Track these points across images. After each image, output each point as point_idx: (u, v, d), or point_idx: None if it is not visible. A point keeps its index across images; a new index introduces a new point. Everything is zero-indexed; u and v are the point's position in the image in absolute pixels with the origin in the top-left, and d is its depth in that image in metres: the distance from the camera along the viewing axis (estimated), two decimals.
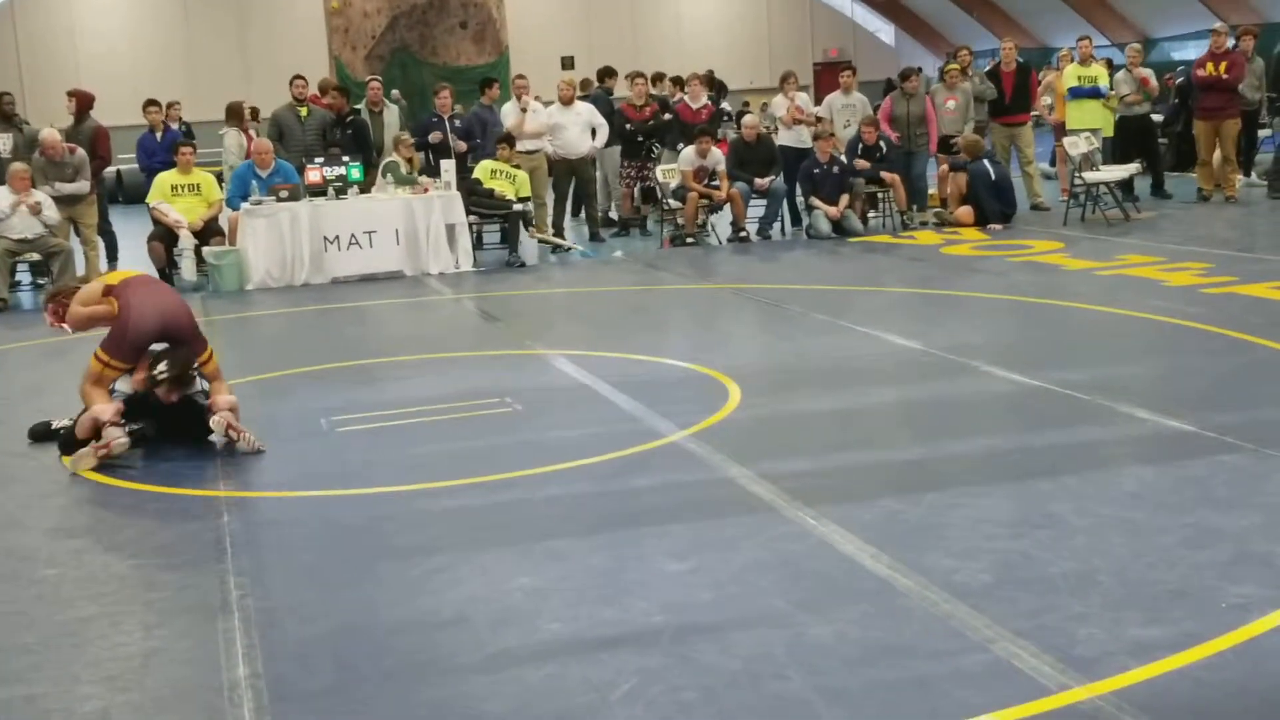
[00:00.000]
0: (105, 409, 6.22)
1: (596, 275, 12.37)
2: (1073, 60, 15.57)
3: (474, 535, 4.97)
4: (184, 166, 12.48)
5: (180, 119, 15.49)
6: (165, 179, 12.46)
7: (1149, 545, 4.47)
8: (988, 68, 15.33)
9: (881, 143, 13.88)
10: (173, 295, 6.91)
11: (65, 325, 6.86)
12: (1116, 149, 14.68)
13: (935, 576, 4.26)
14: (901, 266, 11.69)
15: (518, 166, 13.27)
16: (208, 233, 12.30)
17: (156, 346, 6.47)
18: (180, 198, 12.35)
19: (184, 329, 6.57)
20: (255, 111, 14.15)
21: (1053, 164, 16.59)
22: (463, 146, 13.87)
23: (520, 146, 13.77)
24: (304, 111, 13.67)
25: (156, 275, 12.04)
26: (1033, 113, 15.04)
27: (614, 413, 6.81)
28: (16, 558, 5.01)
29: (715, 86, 16.08)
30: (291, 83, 13.86)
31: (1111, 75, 15.09)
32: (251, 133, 13.81)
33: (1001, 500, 5.02)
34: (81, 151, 12.37)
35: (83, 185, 12.29)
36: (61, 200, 12.02)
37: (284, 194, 12.17)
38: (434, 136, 13.87)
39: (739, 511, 5.06)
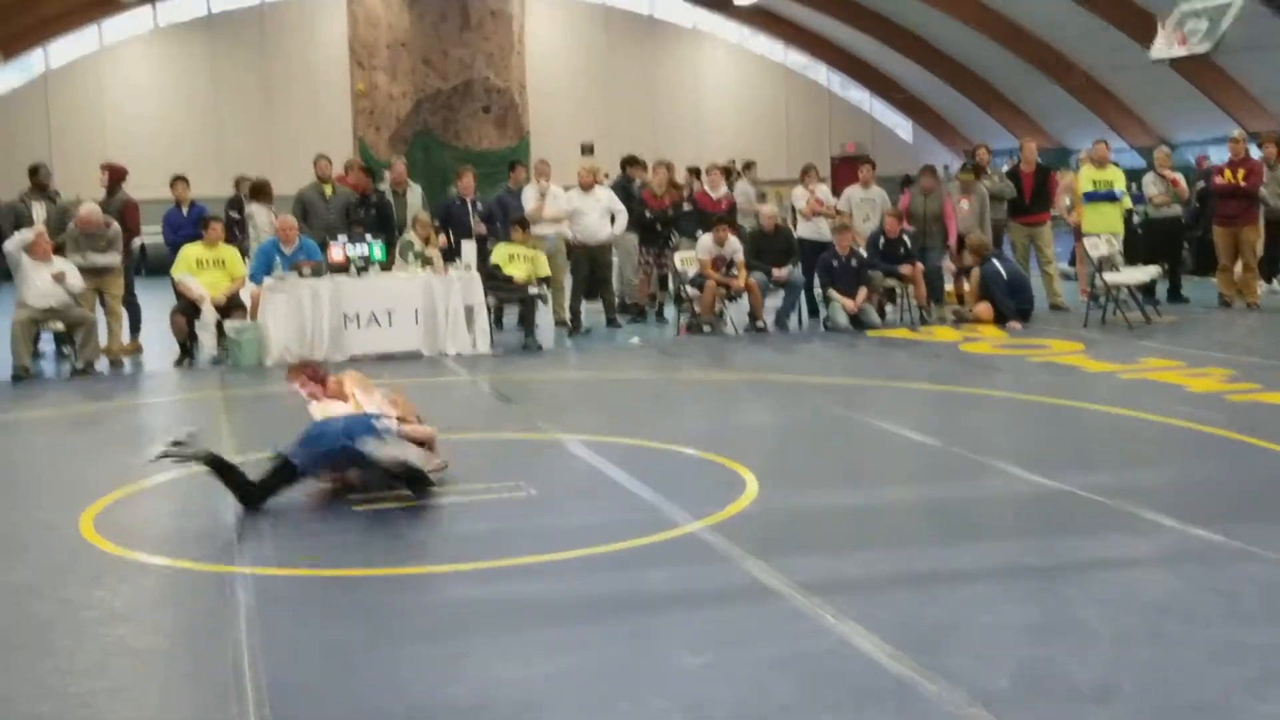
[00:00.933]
0: None
1: (612, 361, 12.39)
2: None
3: (489, 621, 4.92)
4: (210, 241, 12.58)
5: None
6: (190, 252, 12.58)
7: (1175, 657, 4.41)
8: (1007, 167, 15.45)
9: (905, 237, 13.95)
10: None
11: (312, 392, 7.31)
12: (1143, 251, 14.74)
13: (956, 679, 4.19)
14: (920, 362, 11.69)
15: (534, 248, 13.35)
16: (230, 307, 12.38)
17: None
18: (205, 271, 12.46)
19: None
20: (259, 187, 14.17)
21: (1072, 264, 16.65)
22: (483, 229, 13.97)
23: (539, 230, 13.88)
24: (328, 190, 13.82)
25: (178, 347, 12.15)
26: (1052, 213, 15.13)
27: (629, 500, 6.77)
28: (33, 627, 4.98)
29: (733, 175, 16.30)
30: (315, 162, 14.03)
31: (1129, 179, 15.19)
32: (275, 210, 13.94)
33: (1024, 604, 4.97)
34: (116, 225, 12.51)
35: (114, 257, 12.41)
36: (90, 271, 12.12)
37: (307, 270, 12.26)
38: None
39: (756, 606, 5.01)
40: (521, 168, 15.16)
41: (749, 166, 18.24)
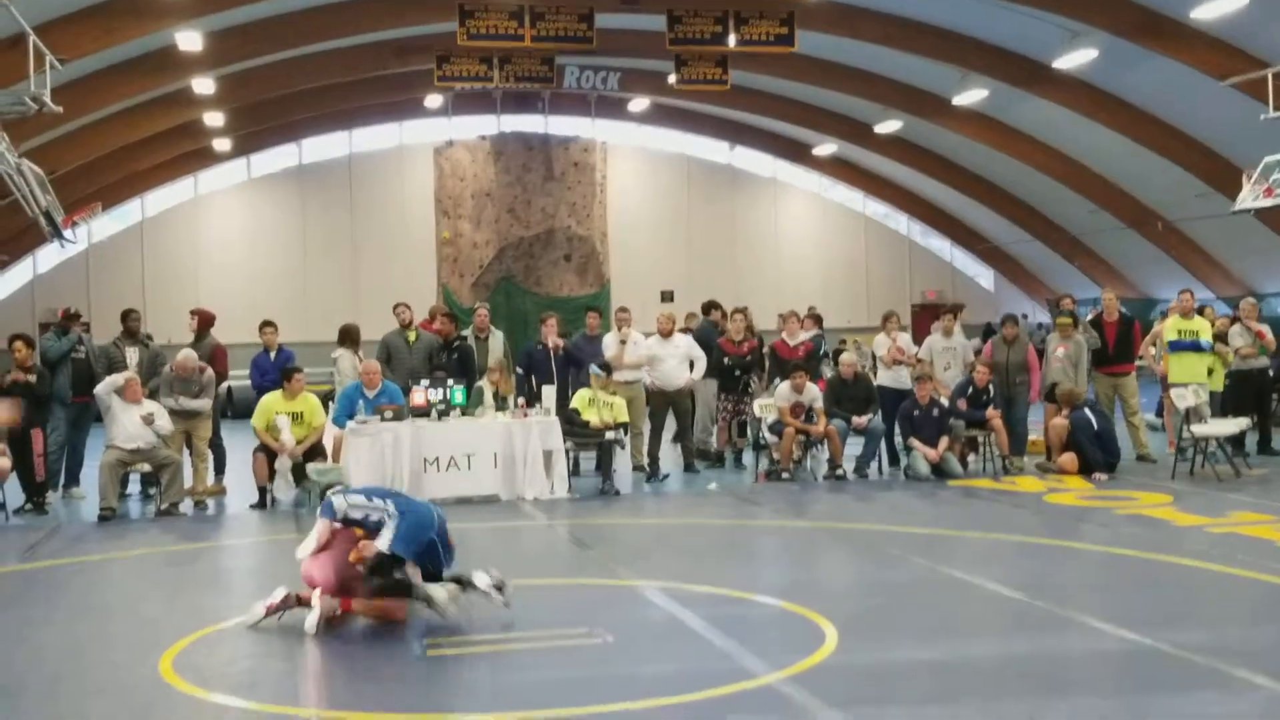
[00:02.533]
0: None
1: (690, 507, 12.33)
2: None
3: None
4: (292, 392, 12.77)
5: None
6: (271, 403, 12.74)
7: None
8: (1090, 317, 15.36)
9: (990, 387, 13.84)
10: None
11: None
12: (1229, 402, 14.50)
13: None
14: (1004, 513, 11.49)
15: (614, 393, 13.43)
16: (312, 451, 12.53)
17: None
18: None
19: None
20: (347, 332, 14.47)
21: (1159, 415, 16.39)
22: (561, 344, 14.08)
23: (619, 377, 13.98)
24: (412, 336, 14.08)
25: (257, 491, 12.29)
26: (1139, 362, 14.96)
27: (706, 649, 6.68)
28: None
29: (818, 322, 16.26)
30: (395, 309, 14.32)
31: (1215, 329, 15.01)
32: (361, 354, 14.19)
33: None
34: (210, 372, 12.84)
35: (206, 403, 12.71)
36: (181, 414, 12.41)
37: (389, 414, 12.43)
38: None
39: None
40: (596, 314, 15.35)
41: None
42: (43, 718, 5.70)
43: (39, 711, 5.82)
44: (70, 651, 6.95)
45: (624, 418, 13.28)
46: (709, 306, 16.24)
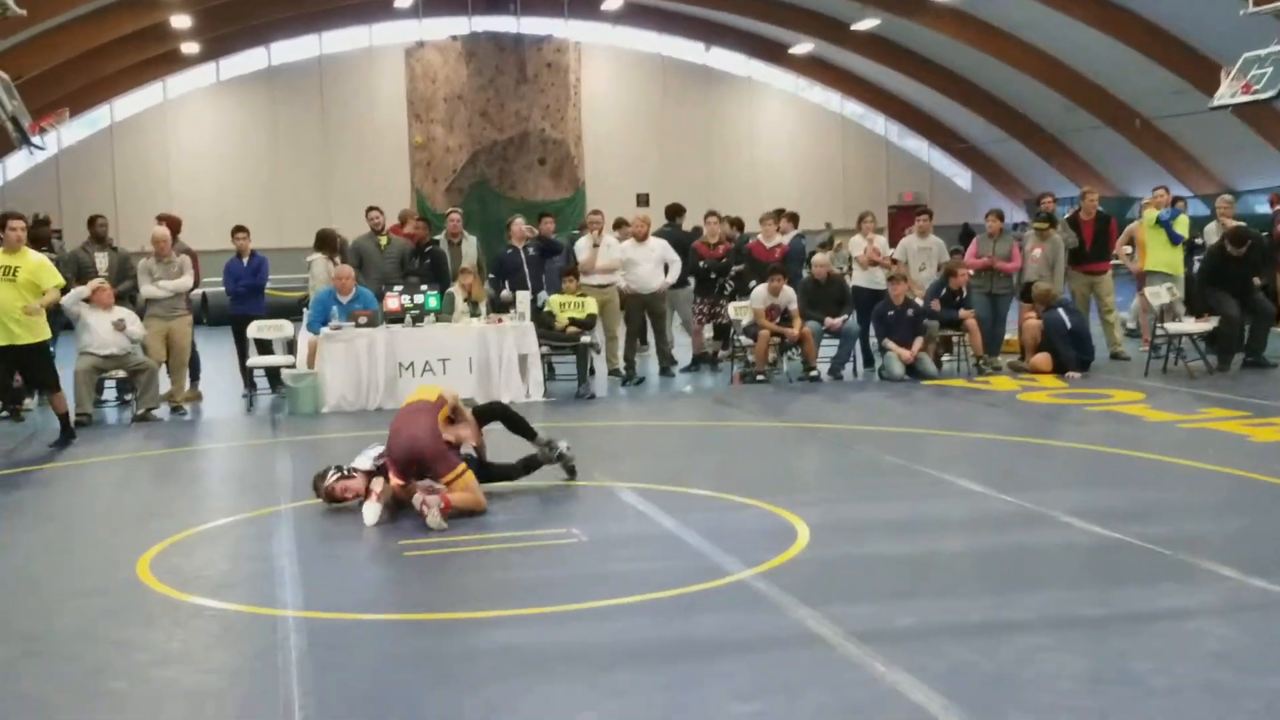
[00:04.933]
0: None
1: (665, 410, 12.39)
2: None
3: (536, 666, 4.91)
4: (9, 245, 10.47)
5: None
6: None
7: (1232, 708, 4.31)
8: (1067, 215, 15.36)
9: (965, 288, 13.86)
10: (420, 426, 7.61)
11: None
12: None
13: None
14: (977, 412, 11.59)
15: (582, 295, 13.39)
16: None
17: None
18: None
19: (425, 456, 7.46)
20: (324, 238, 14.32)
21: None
22: (537, 230, 13.97)
23: (593, 280, 13.95)
24: (383, 241, 13.99)
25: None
26: (1114, 261, 15.00)
27: (680, 547, 6.75)
28: (87, 669, 5.04)
29: (795, 221, 16.08)
30: (367, 213, 14.21)
31: (1191, 226, 15.05)
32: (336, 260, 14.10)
33: (1078, 655, 4.88)
34: (186, 258, 12.76)
35: (187, 280, 12.63)
36: (162, 313, 12.32)
37: (363, 320, 12.39)
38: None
39: (806, 654, 4.97)
40: (550, 219, 15.27)
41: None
42: (22, 618, 5.74)
43: (19, 612, 5.86)
44: (49, 554, 6.99)
45: (593, 309, 13.27)
46: (673, 211, 16.04)
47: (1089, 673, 4.69)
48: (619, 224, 15.42)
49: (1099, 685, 4.56)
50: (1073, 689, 4.53)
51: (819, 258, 14.46)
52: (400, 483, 7.53)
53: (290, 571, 6.37)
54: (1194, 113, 25.56)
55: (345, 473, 7.77)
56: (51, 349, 11.06)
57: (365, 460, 7.84)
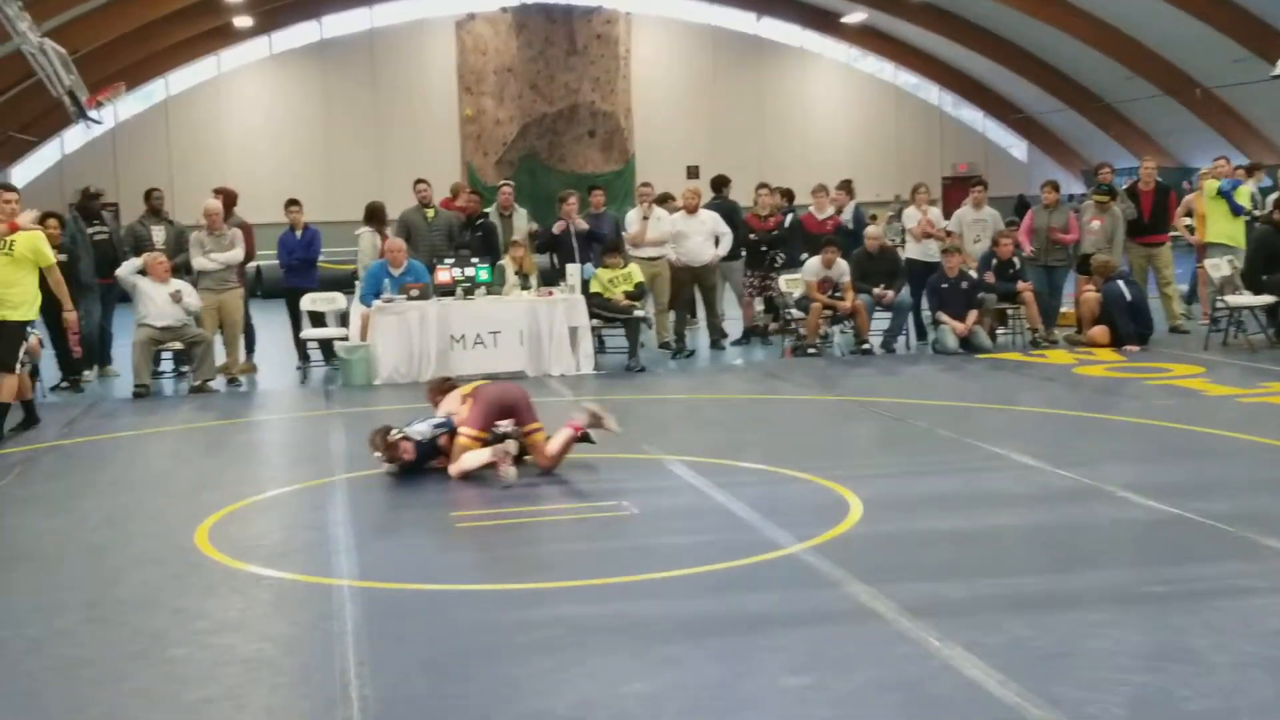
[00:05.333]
0: (484, 453, 7.73)
1: (716, 382, 12.36)
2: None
3: (588, 638, 4.92)
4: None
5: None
6: None
7: None
8: (1125, 186, 15.14)
9: (1015, 259, 13.71)
10: (512, 386, 8.57)
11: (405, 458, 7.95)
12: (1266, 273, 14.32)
13: (1066, 708, 4.09)
14: (1032, 385, 11.47)
15: (623, 267, 13.33)
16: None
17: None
18: None
19: (518, 402, 8.13)
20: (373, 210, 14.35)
21: (1194, 292, 16.27)
22: (584, 225, 13.93)
23: (644, 253, 13.91)
24: (430, 213, 14.01)
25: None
26: (1172, 233, 14.78)
27: (731, 521, 6.74)
28: (146, 637, 5.10)
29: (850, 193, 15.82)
30: (415, 186, 14.23)
31: (1253, 195, 14.78)
32: (387, 232, 14.15)
33: (1136, 632, 4.83)
34: (238, 231, 12.86)
35: (238, 252, 12.72)
36: (214, 286, 12.43)
37: (414, 293, 12.44)
38: (557, 227, 14.02)
39: (859, 628, 4.94)
40: (600, 191, 15.18)
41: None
42: (84, 586, 5.83)
43: (80, 580, 5.95)
44: (109, 523, 7.08)
45: (639, 278, 13.24)
46: (719, 182, 15.88)
47: (1148, 649, 4.64)
48: (663, 199, 15.30)
49: (1159, 662, 4.50)
50: (1131, 665, 4.48)
51: (871, 230, 14.33)
52: (478, 437, 7.81)
53: (345, 541, 6.42)
54: (1255, 81, 25.08)
55: (404, 435, 7.89)
56: (30, 330, 10.05)
57: (426, 428, 7.94)
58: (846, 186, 15.69)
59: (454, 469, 7.80)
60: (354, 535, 6.53)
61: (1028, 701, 4.15)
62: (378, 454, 7.91)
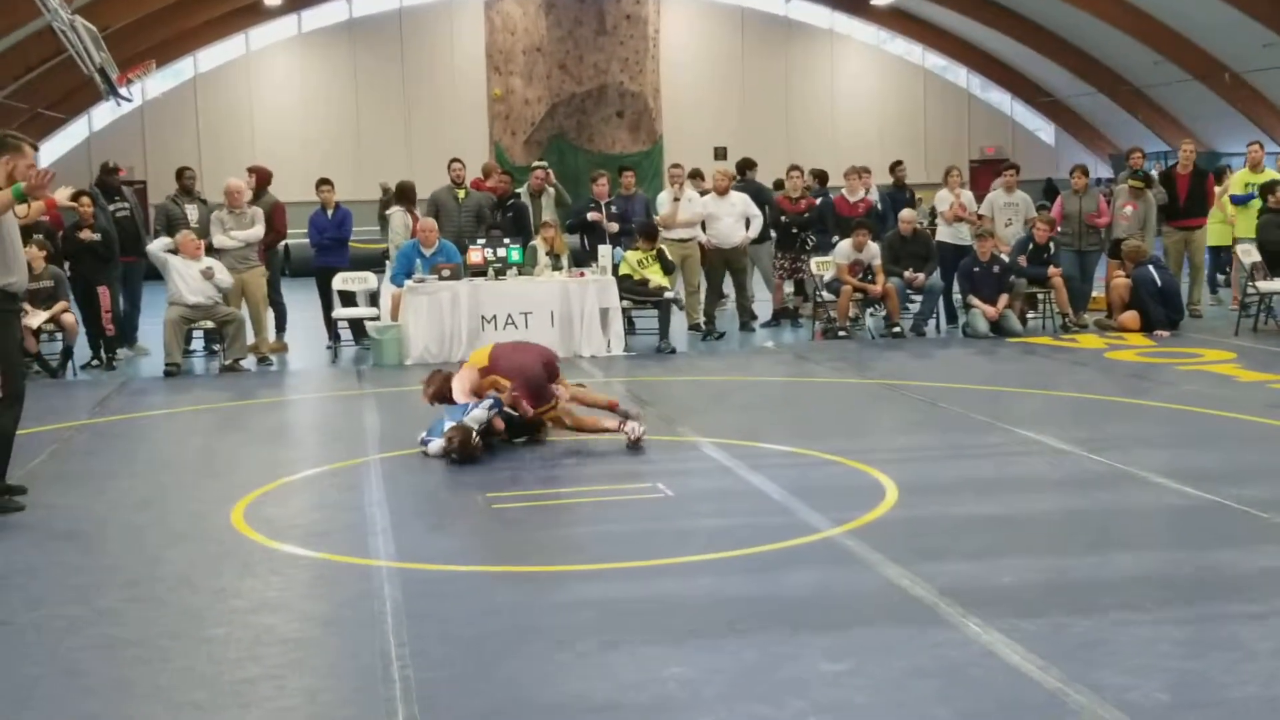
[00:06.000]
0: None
1: (747, 365, 12.35)
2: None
3: (626, 620, 4.94)
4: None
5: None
6: None
7: None
8: (1153, 170, 15.05)
9: (1051, 243, 13.64)
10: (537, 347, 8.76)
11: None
12: None
13: (1108, 694, 4.09)
14: (1064, 370, 11.43)
15: (652, 251, 13.30)
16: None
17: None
18: None
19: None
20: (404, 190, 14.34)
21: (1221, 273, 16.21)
22: (614, 227, 13.97)
23: (675, 235, 13.89)
24: (461, 194, 14.02)
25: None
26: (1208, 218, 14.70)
27: (766, 504, 6.74)
28: (187, 616, 5.14)
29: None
30: (449, 165, 14.24)
31: None
32: (417, 212, 14.17)
33: (1176, 618, 4.82)
34: (259, 210, 12.88)
35: (257, 231, 12.73)
36: (231, 265, 12.46)
37: (446, 273, 12.46)
38: (592, 216, 14.04)
39: (897, 614, 4.95)
40: (630, 173, 15.09)
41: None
42: (124, 565, 5.88)
43: (120, 560, 6.00)
44: (146, 503, 7.12)
45: (669, 256, 13.28)
46: (744, 165, 15.82)
47: (1188, 635, 4.63)
48: (693, 174, 15.27)
49: (1199, 648, 4.49)
50: (1172, 651, 4.47)
51: (906, 213, 14.25)
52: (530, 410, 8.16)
53: (381, 522, 6.45)
54: None
55: (479, 430, 7.81)
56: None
57: (481, 411, 7.90)
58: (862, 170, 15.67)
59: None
60: (390, 516, 6.56)
61: (1069, 688, 4.15)
62: (453, 454, 7.73)
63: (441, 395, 8.40)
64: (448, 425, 7.89)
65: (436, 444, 7.88)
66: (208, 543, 6.23)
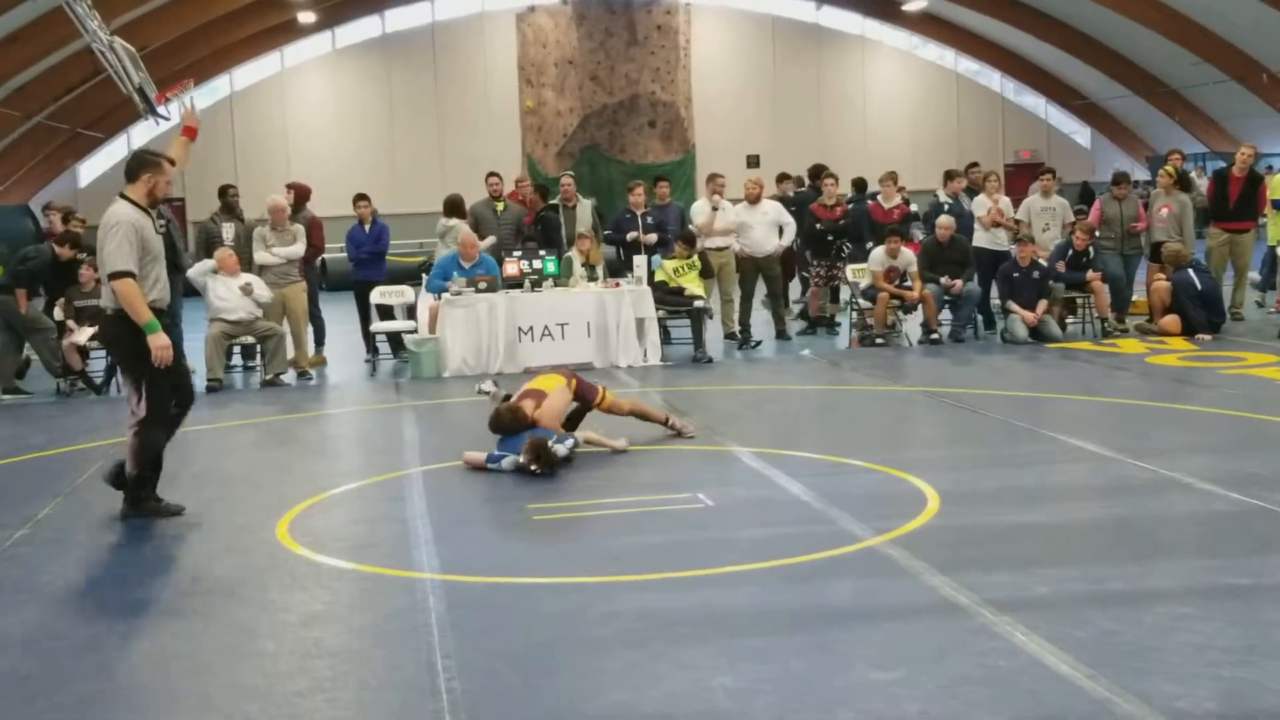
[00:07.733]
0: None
1: (783, 373, 12.34)
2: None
3: (671, 630, 4.94)
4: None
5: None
6: None
7: None
8: (1192, 172, 14.95)
9: (1091, 248, 13.57)
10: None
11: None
12: None
13: (1157, 702, 4.06)
14: (1105, 375, 11.35)
15: (690, 259, 13.33)
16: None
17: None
18: None
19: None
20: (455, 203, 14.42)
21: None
22: (652, 239, 14.02)
23: (711, 244, 13.90)
24: (500, 206, 14.08)
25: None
26: (1260, 221, 14.61)
27: (807, 513, 6.73)
28: (236, 630, 5.18)
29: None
30: (487, 179, 14.31)
31: None
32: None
33: (1224, 625, 4.78)
34: (300, 227, 12.99)
35: (299, 248, 12.83)
36: (273, 281, 12.56)
37: (483, 285, 12.52)
38: (631, 236, 14.07)
39: (943, 622, 4.93)
40: (665, 183, 15.10)
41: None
42: (172, 579, 5.94)
43: (168, 574, 6.06)
44: (193, 516, 7.17)
45: (704, 266, 13.33)
46: (781, 177, 15.90)
47: (1238, 643, 4.59)
48: (710, 178, 15.33)
49: (1250, 656, 4.46)
50: (1221, 659, 4.44)
51: (943, 219, 14.21)
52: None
53: (425, 534, 6.49)
54: None
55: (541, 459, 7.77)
56: None
57: (564, 449, 7.92)
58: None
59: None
60: (433, 528, 6.60)
61: (1117, 696, 4.13)
62: (534, 467, 7.70)
63: (503, 427, 8.22)
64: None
65: (511, 459, 7.83)
66: (255, 556, 6.28)
